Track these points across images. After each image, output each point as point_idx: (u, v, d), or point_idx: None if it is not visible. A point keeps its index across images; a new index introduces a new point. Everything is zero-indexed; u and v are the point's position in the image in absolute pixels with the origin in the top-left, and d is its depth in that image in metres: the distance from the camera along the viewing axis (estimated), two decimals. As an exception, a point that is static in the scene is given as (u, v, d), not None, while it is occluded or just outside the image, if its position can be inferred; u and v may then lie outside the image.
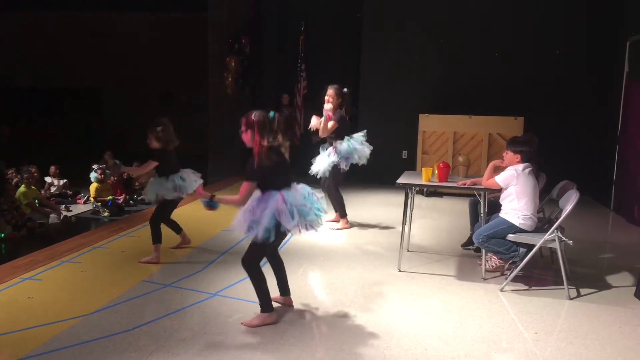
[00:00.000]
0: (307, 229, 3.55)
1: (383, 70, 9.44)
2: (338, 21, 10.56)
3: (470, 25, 8.99)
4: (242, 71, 10.04)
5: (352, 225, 6.43)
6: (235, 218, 3.57)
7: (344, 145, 6.05)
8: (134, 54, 13.74)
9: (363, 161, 6.17)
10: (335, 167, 6.05)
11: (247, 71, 10.21)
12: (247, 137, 3.58)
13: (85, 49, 13.81)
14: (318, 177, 6.15)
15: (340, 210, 6.32)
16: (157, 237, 4.94)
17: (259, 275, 3.63)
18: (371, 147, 6.18)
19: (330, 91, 6.04)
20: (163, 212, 5.06)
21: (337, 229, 6.28)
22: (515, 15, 8.86)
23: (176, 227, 5.34)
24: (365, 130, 6.26)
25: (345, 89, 6.09)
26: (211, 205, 3.57)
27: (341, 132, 6.07)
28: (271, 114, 3.60)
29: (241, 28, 10.20)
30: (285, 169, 3.65)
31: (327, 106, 6.01)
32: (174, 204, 5.11)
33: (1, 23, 13.53)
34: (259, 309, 3.66)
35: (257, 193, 3.58)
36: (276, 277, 3.90)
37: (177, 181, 4.93)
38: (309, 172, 6.18)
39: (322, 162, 6.09)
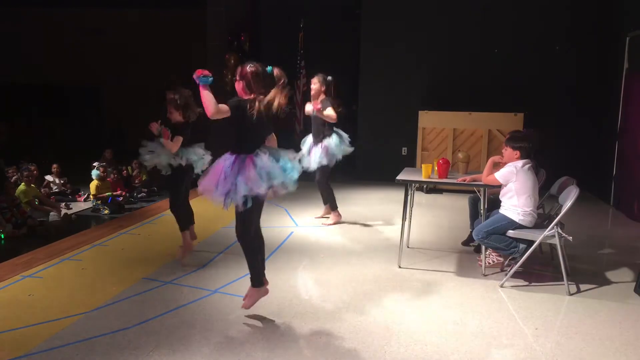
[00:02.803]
0: (278, 191, 3.50)
1: (382, 67, 9.44)
2: (337, 18, 10.55)
3: (470, 21, 8.98)
4: (241, 68, 10.03)
5: (352, 221, 6.44)
6: (204, 183, 3.49)
7: (334, 140, 6.06)
8: (133, 51, 13.71)
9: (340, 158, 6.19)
10: (324, 165, 6.11)
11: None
12: (238, 86, 3.54)
13: (84, 46, 13.79)
14: (310, 170, 6.06)
15: (332, 203, 6.37)
16: (184, 223, 4.83)
17: (253, 245, 3.63)
18: (352, 148, 6.30)
19: (315, 79, 6.12)
20: (177, 196, 4.83)
21: (330, 224, 6.31)
22: (515, 11, 8.85)
23: (189, 219, 5.10)
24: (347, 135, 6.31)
25: (329, 77, 6.12)
26: (205, 81, 3.34)
27: (333, 123, 6.07)
28: (269, 68, 3.55)
29: (240, 25, 10.19)
30: (263, 126, 3.54)
31: (308, 107, 6.13)
32: (185, 183, 4.87)
33: (0, 20, 13.52)
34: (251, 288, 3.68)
35: (227, 157, 3.49)
36: None
37: (180, 152, 4.75)
38: (303, 168, 6.17)
39: (315, 157, 6.08)
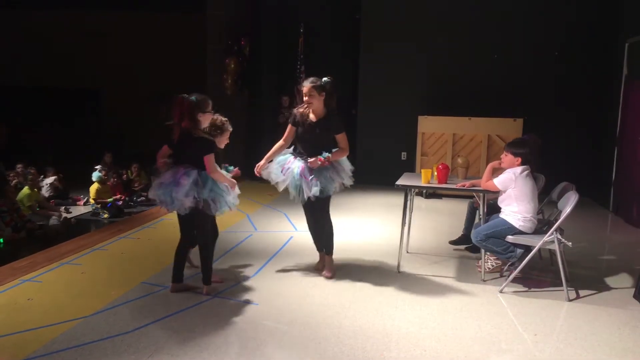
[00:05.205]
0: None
1: (382, 72, 9.46)
2: (337, 23, 10.58)
3: (469, 26, 9.01)
4: (241, 72, 10.04)
5: (352, 226, 6.43)
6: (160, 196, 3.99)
7: (345, 162, 4.60)
8: (133, 54, 13.73)
9: None
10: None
11: (247, 73, 10.21)
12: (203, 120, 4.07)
13: (83, 48, 13.81)
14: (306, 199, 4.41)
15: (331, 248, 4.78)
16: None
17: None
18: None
19: (307, 88, 4.42)
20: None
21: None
22: (515, 17, 8.88)
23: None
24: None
25: (324, 79, 4.47)
26: None
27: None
28: (193, 97, 3.92)
29: (240, 29, 10.21)
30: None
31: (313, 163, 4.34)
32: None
33: (0, 22, 13.54)
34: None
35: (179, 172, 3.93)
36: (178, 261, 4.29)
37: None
38: (304, 197, 4.40)
39: (330, 181, 4.43)
